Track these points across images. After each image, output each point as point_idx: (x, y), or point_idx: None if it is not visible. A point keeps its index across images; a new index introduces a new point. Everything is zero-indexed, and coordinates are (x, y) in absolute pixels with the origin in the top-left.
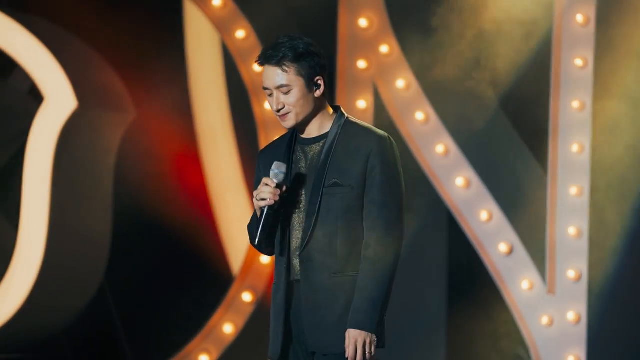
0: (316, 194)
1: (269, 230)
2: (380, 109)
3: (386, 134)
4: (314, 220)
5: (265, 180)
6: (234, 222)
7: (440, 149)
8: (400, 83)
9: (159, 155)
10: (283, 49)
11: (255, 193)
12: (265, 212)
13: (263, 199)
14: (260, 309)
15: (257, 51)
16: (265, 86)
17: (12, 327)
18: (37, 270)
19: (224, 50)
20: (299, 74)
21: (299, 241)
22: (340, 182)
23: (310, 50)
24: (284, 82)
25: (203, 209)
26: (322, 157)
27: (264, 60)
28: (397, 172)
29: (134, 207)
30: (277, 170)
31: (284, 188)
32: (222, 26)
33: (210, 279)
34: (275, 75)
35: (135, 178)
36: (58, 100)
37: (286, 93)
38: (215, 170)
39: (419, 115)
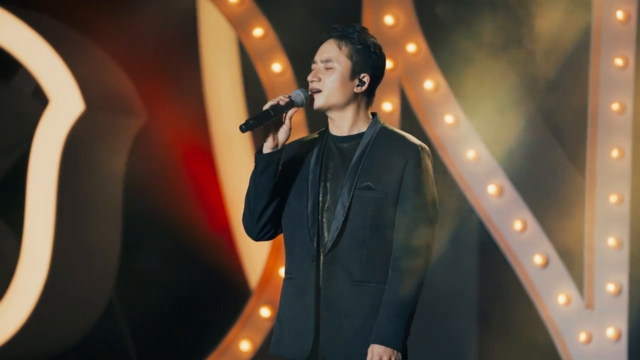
0: (347, 194)
1: (259, 124)
2: (406, 112)
3: (424, 145)
4: (341, 223)
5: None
6: None
7: (471, 154)
8: (428, 84)
9: (171, 161)
10: (351, 30)
11: None
12: (265, 109)
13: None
14: None
15: (276, 50)
16: (314, 59)
17: (15, 344)
18: (42, 283)
19: (241, 49)
20: (350, 57)
21: (324, 243)
22: (374, 186)
23: (375, 48)
24: (331, 57)
25: (218, 218)
26: (356, 157)
27: (327, 34)
28: (432, 185)
29: (145, 216)
30: (300, 91)
31: (295, 109)
32: (238, 24)
33: (226, 293)
34: (328, 49)
35: (146, 185)
36: (64, 102)
37: (328, 69)
38: (231, 177)
39: (449, 119)
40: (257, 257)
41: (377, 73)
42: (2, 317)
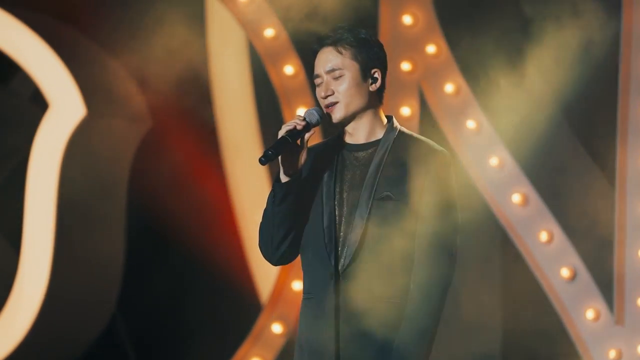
0: (365, 205)
1: (279, 153)
2: (426, 117)
3: (445, 150)
4: (360, 236)
5: (296, 115)
6: None
7: (494, 161)
8: (449, 87)
9: (178, 169)
10: (341, 31)
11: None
12: (282, 136)
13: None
14: (292, 342)
15: (288, 52)
16: (316, 72)
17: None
18: (41, 297)
19: (251, 51)
20: (355, 58)
21: (342, 258)
22: (393, 196)
23: (372, 39)
24: (336, 65)
25: (227, 229)
26: (373, 166)
27: (319, 43)
28: (454, 192)
29: (150, 227)
30: (314, 110)
31: (312, 130)
32: (248, 24)
33: (236, 308)
34: (329, 58)
35: (151, 194)
36: (64, 107)
37: (337, 78)
38: (241, 186)
39: (470, 124)
40: (268, 270)
41: (384, 64)
42: (0, 331)
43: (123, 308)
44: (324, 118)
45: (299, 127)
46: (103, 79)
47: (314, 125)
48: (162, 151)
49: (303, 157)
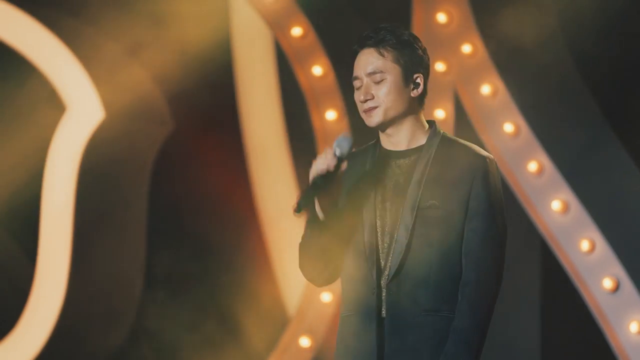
0: (409, 215)
1: (311, 200)
2: (461, 120)
3: (491, 156)
4: (405, 246)
5: (325, 149)
6: (289, 253)
7: (533, 166)
8: (485, 89)
9: (201, 175)
10: (384, 32)
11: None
12: (314, 180)
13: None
14: (321, 356)
15: (316, 51)
16: (355, 74)
17: None
18: (57, 311)
19: (278, 51)
20: (397, 61)
21: (386, 270)
22: (439, 205)
23: (416, 42)
24: (378, 67)
25: (253, 238)
26: (417, 173)
27: (359, 43)
28: (501, 200)
29: (172, 235)
30: (343, 138)
31: (344, 164)
32: (275, 22)
33: (262, 321)
34: (369, 60)
35: (173, 201)
36: (82, 109)
37: (378, 82)
38: (268, 193)
39: (508, 127)
40: (295, 281)
41: (427, 69)
42: (14, 349)
43: (144, 319)
44: (351, 145)
45: (330, 168)
46: (123, 80)
47: (346, 157)
48: (184, 155)
49: (337, 192)
